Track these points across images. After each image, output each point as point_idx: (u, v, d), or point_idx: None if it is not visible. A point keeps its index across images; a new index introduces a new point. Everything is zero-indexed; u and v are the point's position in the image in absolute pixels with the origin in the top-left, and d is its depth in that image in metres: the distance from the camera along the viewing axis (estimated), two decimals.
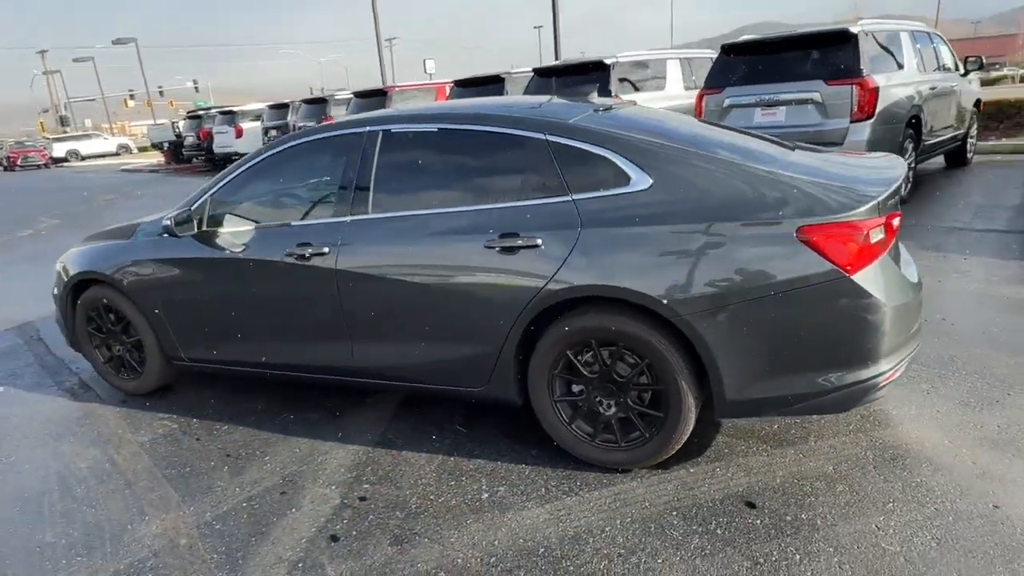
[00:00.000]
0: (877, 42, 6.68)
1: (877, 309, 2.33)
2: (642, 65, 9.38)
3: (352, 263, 2.98)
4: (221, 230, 3.32)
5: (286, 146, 3.30)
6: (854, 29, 6.40)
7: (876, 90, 6.21)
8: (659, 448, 2.64)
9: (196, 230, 3.29)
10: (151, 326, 3.63)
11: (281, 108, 17.81)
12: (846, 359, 2.38)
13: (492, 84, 11.02)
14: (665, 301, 2.42)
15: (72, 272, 3.80)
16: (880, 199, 2.39)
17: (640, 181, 2.56)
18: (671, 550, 2.27)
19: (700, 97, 7.36)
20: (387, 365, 3.07)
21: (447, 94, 12.78)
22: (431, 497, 2.69)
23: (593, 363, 2.66)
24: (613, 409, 2.68)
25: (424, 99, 13.32)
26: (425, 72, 27.26)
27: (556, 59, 14.98)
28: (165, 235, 3.46)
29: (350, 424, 3.36)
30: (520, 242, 2.64)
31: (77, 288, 3.83)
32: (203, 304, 3.42)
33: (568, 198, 2.63)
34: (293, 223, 3.18)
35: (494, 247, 2.68)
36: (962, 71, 8.36)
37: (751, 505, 2.45)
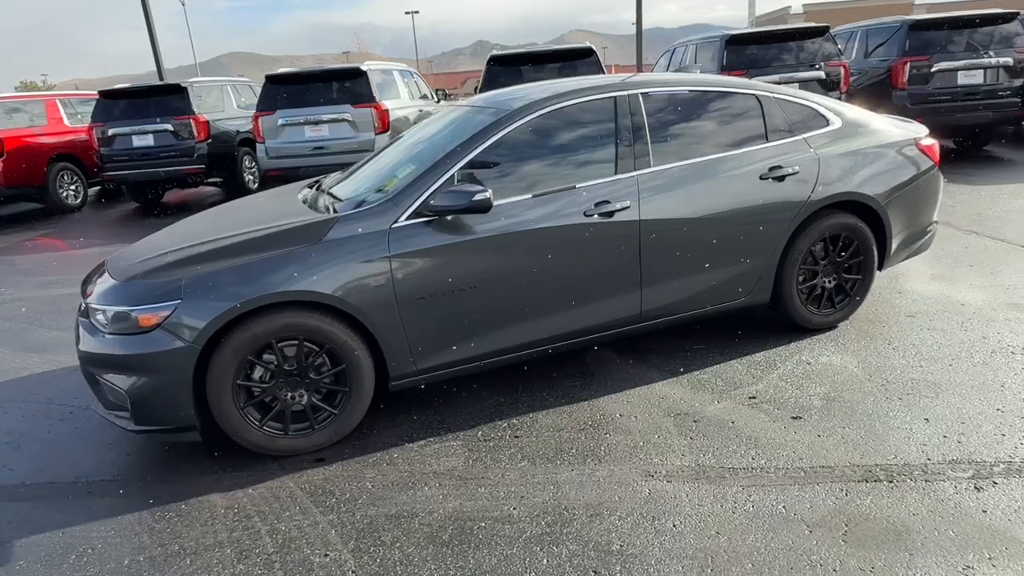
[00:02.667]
0: (380, 77, 9.42)
1: (941, 186, 4.11)
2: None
3: (652, 212, 3.30)
4: (497, 203, 3.06)
5: (537, 114, 3.26)
6: (363, 67, 9.02)
7: (387, 112, 8.95)
8: (848, 314, 3.92)
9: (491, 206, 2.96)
10: (380, 343, 2.98)
11: None
12: (934, 211, 4.08)
13: None
14: (874, 196, 3.71)
15: (220, 311, 2.73)
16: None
17: (834, 122, 3.76)
18: None
19: (256, 118, 8.99)
20: (670, 302, 3.47)
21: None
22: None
23: (826, 254, 3.75)
24: (832, 284, 3.82)
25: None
26: None
27: None
28: (422, 220, 2.96)
29: (621, 372, 3.56)
30: (786, 172, 3.53)
31: (218, 334, 2.77)
32: (464, 295, 3.06)
33: (800, 137, 3.64)
34: (579, 185, 3.23)
35: (767, 177, 3.50)
36: (436, 99, 11.74)
37: None
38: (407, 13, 53.62)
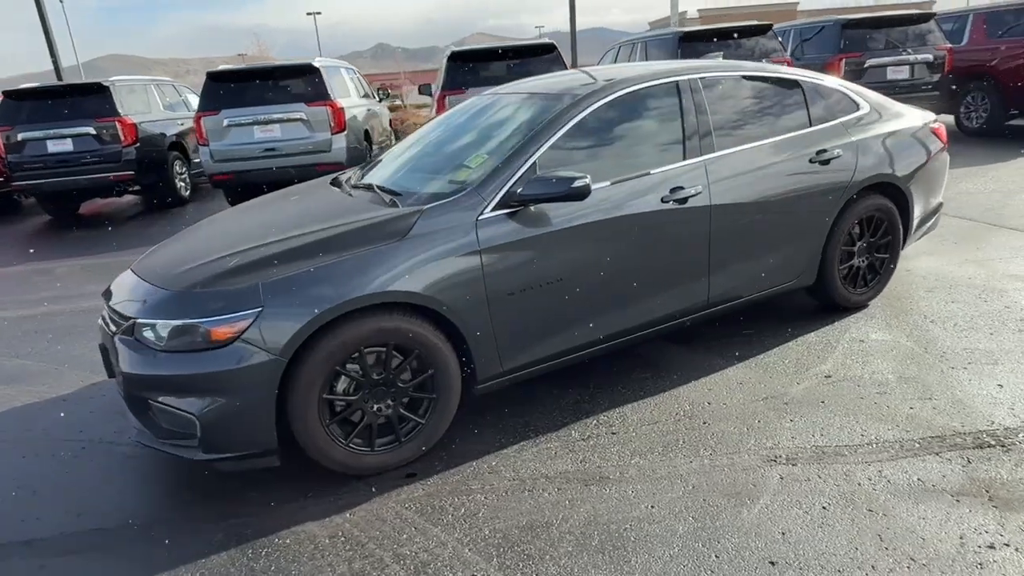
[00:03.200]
0: (330, 74, 8.79)
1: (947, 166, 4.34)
2: None
3: (721, 197, 3.27)
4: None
5: (608, 99, 3.15)
6: (315, 64, 8.45)
7: (343, 110, 8.47)
8: (878, 292, 4.07)
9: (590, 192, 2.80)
10: (469, 343, 2.77)
11: None
12: (943, 191, 4.29)
13: None
14: (902, 177, 3.86)
15: (310, 316, 2.44)
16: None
17: (863, 107, 3.88)
18: None
19: (199, 119, 8.26)
20: (733, 287, 3.46)
21: None
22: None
23: (861, 235, 3.87)
24: (865, 264, 3.95)
25: None
26: None
27: None
28: (506, 211, 2.77)
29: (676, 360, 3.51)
30: (831, 155, 3.60)
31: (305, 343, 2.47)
32: (550, 288, 2.90)
33: (838, 121, 3.74)
34: (652, 172, 3.14)
35: (816, 161, 3.56)
36: (377, 99, 11.36)
37: None
38: (309, 14, 51.74)
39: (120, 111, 8.87)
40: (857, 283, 3.96)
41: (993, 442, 2.65)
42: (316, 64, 8.47)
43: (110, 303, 2.85)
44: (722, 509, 2.39)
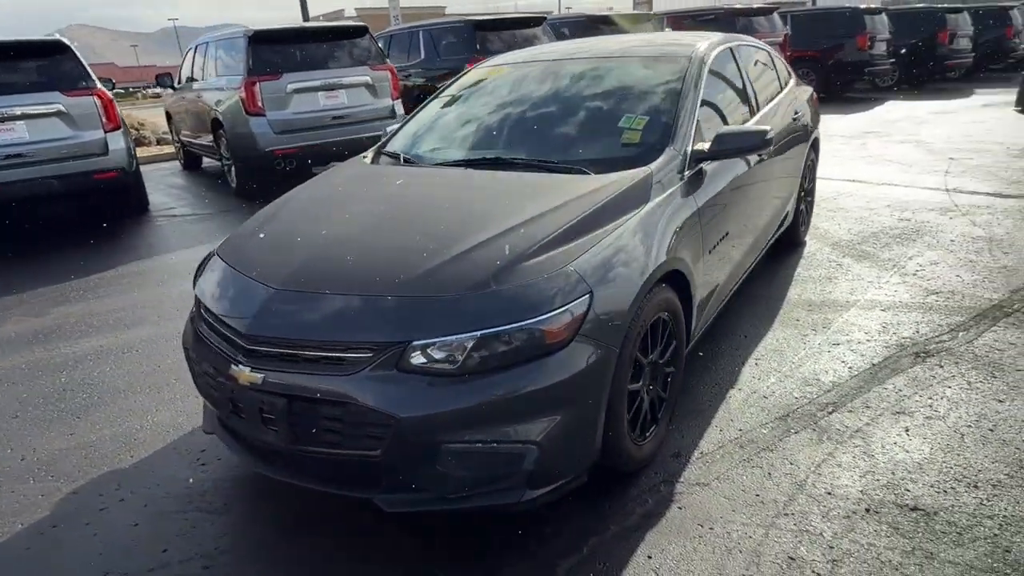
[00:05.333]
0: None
1: None
2: None
3: (775, 151, 3.67)
4: None
5: (711, 59, 3.28)
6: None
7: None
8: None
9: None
10: (695, 307, 2.68)
11: None
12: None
13: None
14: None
15: (635, 292, 2.14)
16: None
17: (792, 75, 4.66)
18: None
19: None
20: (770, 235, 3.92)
21: None
22: None
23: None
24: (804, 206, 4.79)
25: None
26: None
27: None
28: (693, 169, 2.73)
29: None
30: (800, 116, 4.28)
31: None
32: (724, 241, 2.98)
33: (792, 83, 4.48)
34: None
35: (794, 119, 4.20)
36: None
37: None
38: None
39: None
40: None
41: None
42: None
43: (278, 344, 2.00)
44: None
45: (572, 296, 1.98)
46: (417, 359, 1.88)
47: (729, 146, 2.78)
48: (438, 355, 1.87)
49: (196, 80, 8.70)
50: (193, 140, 9.24)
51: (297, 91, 7.32)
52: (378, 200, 2.79)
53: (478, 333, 1.88)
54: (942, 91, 14.10)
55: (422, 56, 10.09)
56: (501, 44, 9.24)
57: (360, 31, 7.98)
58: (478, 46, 9.20)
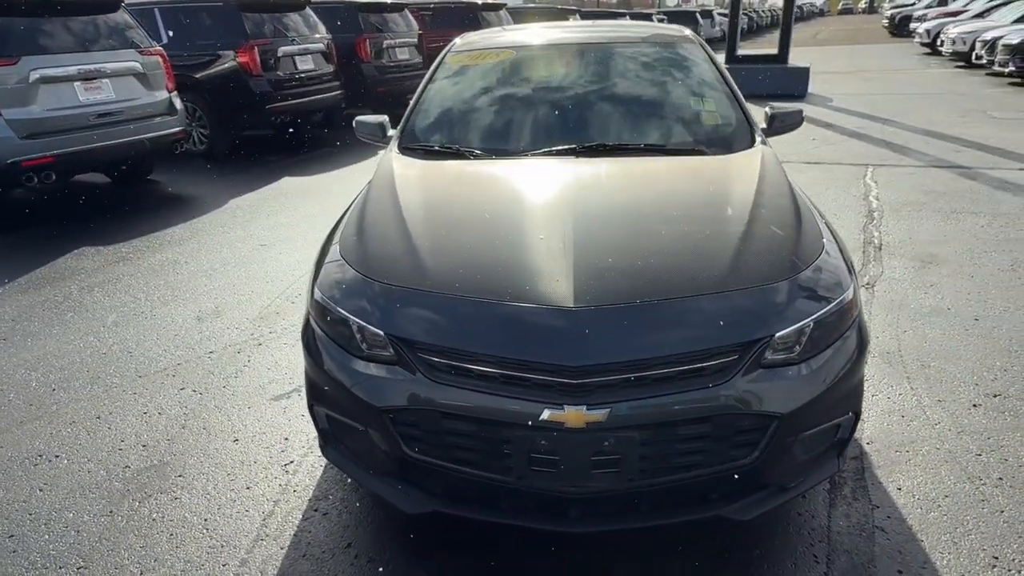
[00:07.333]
0: None
1: None
2: None
3: None
4: None
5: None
6: None
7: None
8: None
9: None
10: None
11: None
12: None
13: None
14: None
15: None
16: None
17: None
18: None
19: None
20: None
21: None
22: None
23: None
24: None
25: None
26: None
27: None
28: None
29: None
30: None
31: None
32: None
33: None
34: None
35: None
36: None
37: None
38: None
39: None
40: None
41: None
42: None
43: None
44: None
45: (849, 267, 2.13)
46: (771, 353, 1.84)
47: (784, 124, 3.13)
48: (784, 344, 1.85)
49: None
50: None
51: (44, 80, 5.43)
52: (549, 196, 2.47)
53: (814, 317, 1.89)
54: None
55: (164, 41, 7.92)
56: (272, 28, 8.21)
57: (111, 5, 6.19)
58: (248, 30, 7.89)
